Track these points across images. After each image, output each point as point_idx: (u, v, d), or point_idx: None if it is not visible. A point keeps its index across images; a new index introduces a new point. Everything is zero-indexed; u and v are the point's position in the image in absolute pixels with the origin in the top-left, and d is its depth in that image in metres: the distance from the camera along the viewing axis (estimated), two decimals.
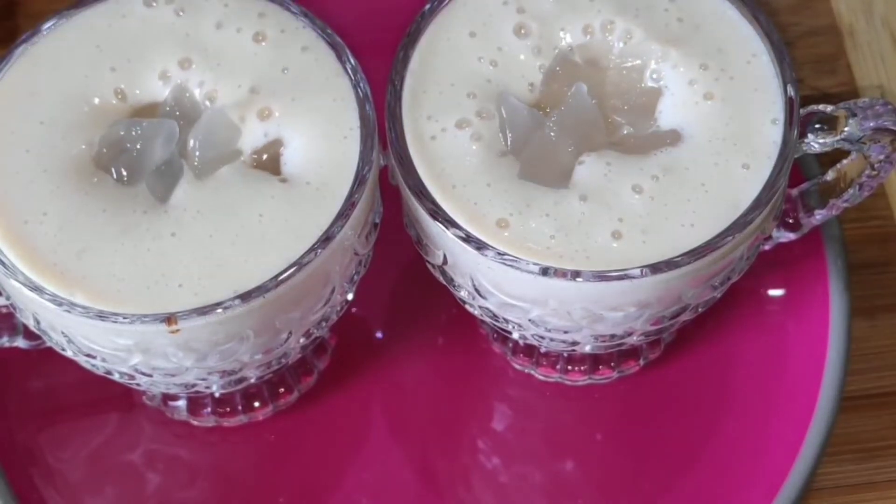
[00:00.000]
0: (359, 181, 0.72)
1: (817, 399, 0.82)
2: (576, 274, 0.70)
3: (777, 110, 0.74)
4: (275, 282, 0.70)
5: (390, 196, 0.77)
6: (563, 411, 0.84)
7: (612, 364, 0.84)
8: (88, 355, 0.73)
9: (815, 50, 0.95)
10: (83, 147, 0.73)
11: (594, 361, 0.84)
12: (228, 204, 0.72)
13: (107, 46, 0.75)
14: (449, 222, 0.72)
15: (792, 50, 0.93)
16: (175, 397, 0.83)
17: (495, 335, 0.85)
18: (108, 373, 0.75)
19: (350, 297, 0.77)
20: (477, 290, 0.74)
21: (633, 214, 0.71)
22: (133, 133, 0.73)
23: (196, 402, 0.83)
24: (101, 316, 0.70)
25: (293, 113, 0.74)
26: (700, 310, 0.76)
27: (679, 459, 0.82)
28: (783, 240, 0.80)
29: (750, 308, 0.85)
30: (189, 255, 0.71)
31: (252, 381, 0.78)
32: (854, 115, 0.74)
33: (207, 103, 0.75)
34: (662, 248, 0.71)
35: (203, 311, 0.69)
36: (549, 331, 0.75)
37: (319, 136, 0.73)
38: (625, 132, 0.75)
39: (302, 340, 0.76)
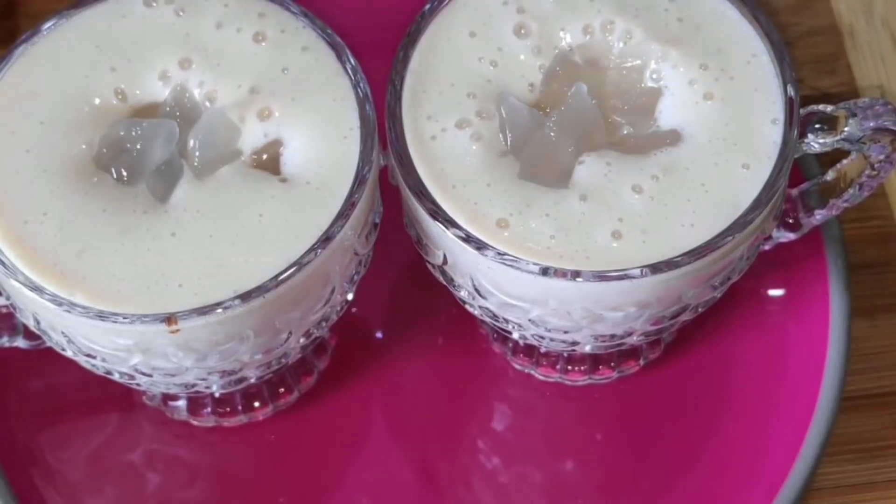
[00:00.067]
0: (359, 181, 0.72)
1: (817, 399, 0.82)
2: (576, 274, 0.70)
3: (777, 110, 0.74)
4: (275, 282, 0.70)
5: (390, 196, 0.77)
6: (563, 411, 0.84)
7: (612, 364, 0.84)
8: (88, 355, 0.73)
9: (815, 50, 0.95)
10: (83, 147, 0.73)
11: (594, 361, 0.84)
12: (228, 204, 0.72)
13: (107, 46, 0.75)
14: (449, 222, 0.72)
15: (792, 50, 0.93)
16: (175, 397, 0.83)
17: (495, 335, 0.85)
18: (108, 373, 0.75)
19: (350, 297, 0.77)
20: (477, 290, 0.74)
21: (633, 214, 0.71)
22: (133, 133, 0.73)
23: (196, 402, 0.83)
24: (101, 316, 0.70)
25: (293, 113, 0.74)
26: (700, 310, 0.76)
27: (679, 459, 0.82)
28: (783, 240, 0.80)
29: (750, 308, 0.85)
30: (189, 255, 0.71)
31: (252, 381, 0.78)
32: (854, 115, 0.74)
33: (207, 103, 0.75)
34: (662, 248, 0.71)
35: (203, 311, 0.69)
36: (549, 331, 0.75)
37: (319, 136, 0.73)
38: (625, 132, 0.75)
39: (302, 340, 0.76)
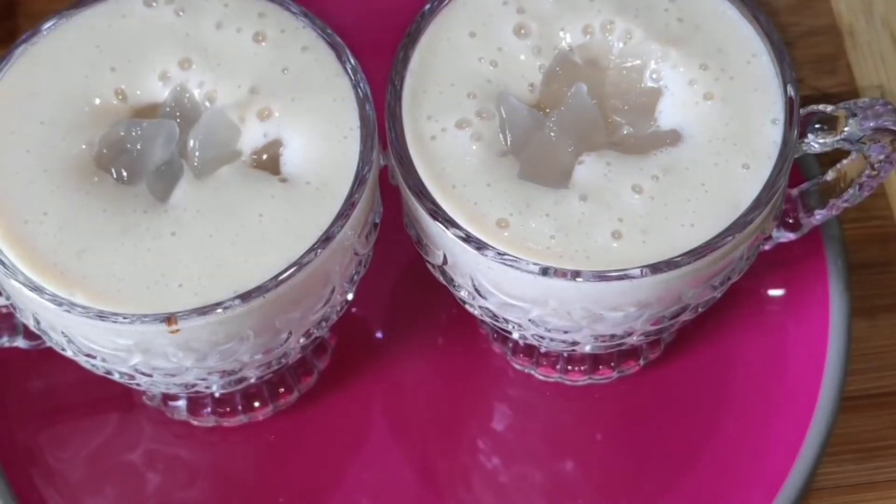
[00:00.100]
0: (359, 181, 0.72)
1: (817, 399, 0.82)
2: (576, 274, 0.70)
3: (777, 110, 0.74)
4: (275, 282, 0.70)
5: (390, 196, 0.77)
6: (563, 411, 0.84)
7: (612, 364, 0.84)
8: (88, 355, 0.73)
9: (815, 50, 0.95)
10: (83, 147, 0.73)
11: (594, 361, 0.84)
12: (228, 204, 0.72)
13: (107, 46, 0.75)
14: (449, 222, 0.72)
15: (792, 50, 0.93)
16: (175, 397, 0.83)
17: (495, 335, 0.85)
18: (108, 373, 0.75)
19: (350, 297, 0.77)
20: (477, 290, 0.74)
21: (633, 214, 0.71)
22: (133, 133, 0.73)
23: (196, 402, 0.83)
24: (101, 316, 0.70)
25: (293, 113, 0.74)
26: (700, 310, 0.76)
27: (679, 459, 0.82)
28: (783, 240, 0.80)
29: (750, 308, 0.85)
30: (189, 255, 0.71)
31: (252, 381, 0.78)
32: (854, 115, 0.74)
33: (207, 103, 0.75)
34: (662, 248, 0.71)
35: (203, 311, 0.69)
36: (549, 331, 0.75)
37: (319, 136, 0.73)
38: (625, 132, 0.75)
39: (302, 340, 0.76)
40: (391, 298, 0.86)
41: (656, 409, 0.83)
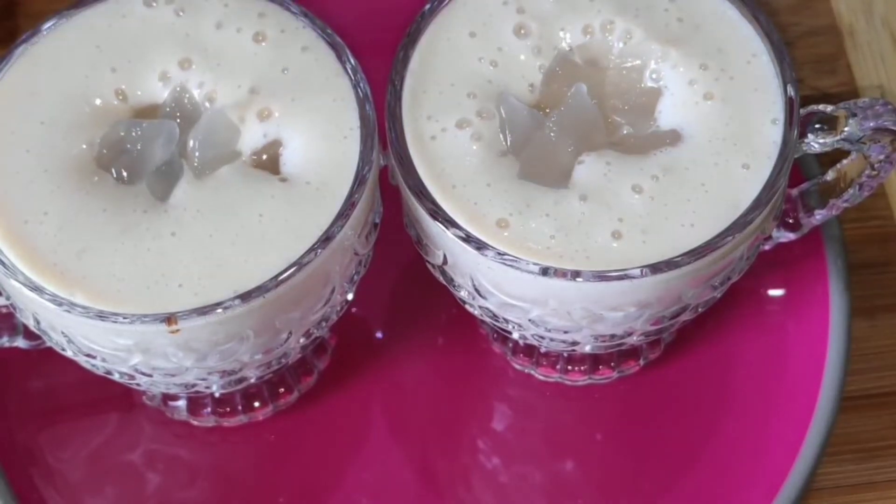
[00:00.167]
0: (359, 181, 0.72)
1: (817, 399, 0.82)
2: (576, 274, 0.70)
3: (777, 110, 0.74)
4: (275, 282, 0.70)
5: (390, 196, 0.77)
6: (563, 411, 0.84)
7: (612, 364, 0.84)
8: (88, 355, 0.73)
9: (815, 50, 0.95)
10: (83, 147, 0.73)
11: (594, 361, 0.84)
12: (228, 204, 0.72)
13: (107, 46, 0.75)
14: (449, 222, 0.72)
15: (792, 50, 0.93)
16: (175, 397, 0.83)
17: (495, 335, 0.85)
18: (108, 373, 0.75)
19: (350, 297, 0.77)
20: (477, 290, 0.74)
21: (633, 214, 0.71)
22: (133, 134, 0.73)
23: (196, 402, 0.83)
24: (101, 316, 0.70)
25: (293, 113, 0.74)
26: (700, 310, 0.76)
27: (679, 459, 0.82)
28: (783, 240, 0.80)
29: (750, 308, 0.85)
30: (189, 255, 0.71)
31: (252, 381, 0.78)
32: (854, 115, 0.74)
33: (207, 104, 0.75)
34: (662, 248, 0.71)
35: (203, 311, 0.69)
36: (549, 331, 0.75)
37: (319, 136, 0.73)
38: (625, 132, 0.75)
39: (302, 340, 0.76)
40: (391, 298, 0.86)
41: (656, 409, 0.83)
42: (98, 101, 0.74)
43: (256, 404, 0.83)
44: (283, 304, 0.71)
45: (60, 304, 0.70)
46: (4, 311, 0.77)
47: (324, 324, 0.76)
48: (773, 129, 0.73)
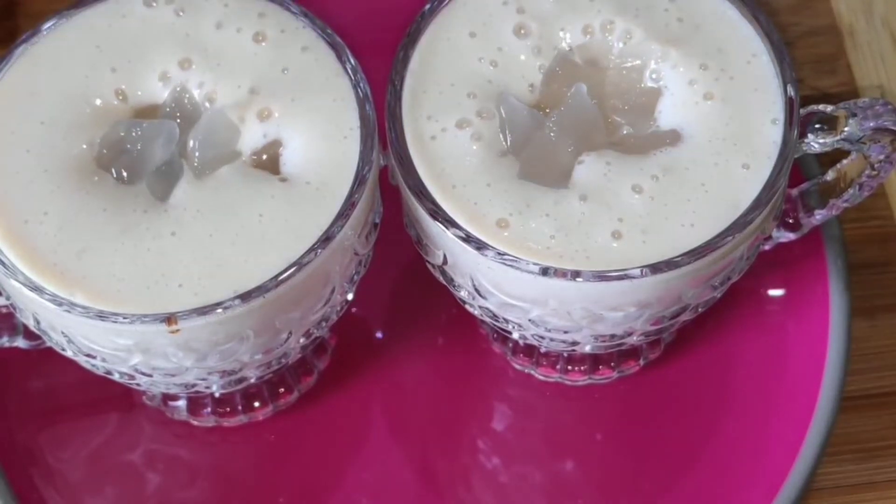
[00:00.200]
0: (359, 181, 0.72)
1: (817, 399, 0.82)
2: (576, 274, 0.70)
3: (777, 110, 0.74)
4: (275, 282, 0.70)
5: (390, 196, 0.77)
6: (563, 411, 0.84)
7: (612, 364, 0.84)
8: (88, 355, 0.73)
9: (815, 50, 0.95)
10: (84, 147, 0.73)
11: (594, 361, 0.84)
12: (228, 203, 0.72)
13: (107, 47, 0.75)
14: (449, 222, 0.72)
15: (792, 50, 0.93)
16: (175, 397, 0.83)
17: (495, 335, 0.85)
18: (108, 373, 0.75)
19: (350, 297, 0.77)
20: (477, 290, 0.74)
21: (633, 214, 0.71)
22: (133, 134, 0.73)
23: (196, 402, 0.83)
24: (101, 316, 0.70)
25: (293, 113, 0.74)
26: (700, 310, 0.76)
27: (679, 459, 0.82)
28: (783, 240, 0.80)
29: (750, 308, 0.85)
30: (189, 255, 0.71)
31: (252, 381, 0.78)
32: (854, 115, 0.74)
33: (207, 104, 0.75)
34: (662, 248, 0.71)
35: (203, 311, 0.69)
36: (549, 331, 0.75)
37: (319, 136, 0.73)
38: (624, 132, 0.75)
39: (302, 340, 0.76)
40: (391, 298, 0.86)
41: (656, 409, 0.83)
42: (98, 102, 0.74)
43: (256, 404, 0.83)
44: (283, 304, 0.71)
45: (60, 304, 0.70)
46: (4, 311, 0.77)
47: (324, 324, 0.76)
48: (773, 129, 0.73)
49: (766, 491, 0.80)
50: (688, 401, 0.83)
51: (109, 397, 0.83)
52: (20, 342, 0.79)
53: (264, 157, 0.74)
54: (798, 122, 0.73)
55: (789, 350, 0.84)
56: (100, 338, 0.71)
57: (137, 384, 0.76)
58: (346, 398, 0.84)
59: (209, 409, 0.83)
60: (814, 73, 0.94)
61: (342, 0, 0.90)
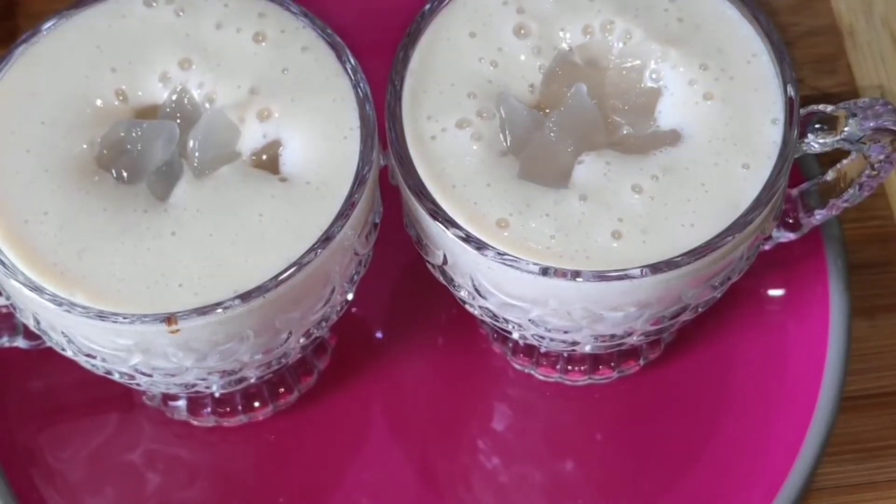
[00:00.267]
0: (359, 181, 0.72)
1: (817, 399, 0.82)
2: (576, 274, 0.70)
3: (777, 110, 0.74)
4: (275, 282, 0.70)
5: (390, 196, 0.77)
6: (563, 411, 0.84)
7: (612, 364, 0.84)
8: (88, 355, 0.73)
9: (815, 50, 0.95)
10: (84, 147, 0.73)
11: (594, 361, 0.84)
12: (228, 203, 0.72)
13: (107, 47, 0.75)
14: (449, 222, 0.72)
15: (792, 50, 0.93)
16: (175, 397, 0.83)
17: (495, 335, 0.85)
18: (108, 373, 0.75)
19: (350, 297, 0.77)
20: (477, 290, 0.74)
21: (633, 214, 0.71)
22: (133, 134, 0.73)
23: (196, 402, 0.83)
24: (101, 316, 0.70)
25: (293, 113, 0.74)
26: (700, 310, 0.76)
27: (679, 459, 0.82)
28: (783, 240, 0.80)
29: (750, 308, 0.85)
30: (189, 255, 0.71)
31: (252, 381, 0.78)
32: (854, 115, 0.74)
33: (207, 104, 0.75)
34: (662, 248, 0.71)
35: (203, 311, 0.69)
36: (549, 331, 0.75)
37: (319, 137, 0.73)
38: (624, 132, 0.75)
39: (302, 340, 0.76)
40: (391, 298, 0.86)
41: (656, 409, 0.83)
42: (98, 102, 0.74)
43: (256, 404, 0.83)
44: (283, 304, 0.71)
45: (60, 304, 0.70)
46: (4, 311, 0.77)
47: (324, 324, 0.76)
48: (773, 129, 0.73)
49: (766, 491, 0.80)
50: (688, 401, 0.83)
51: (109, 397, 0.83)
52: (20, 342, 0.79)
53: (264, 157, 0.74)
54: (798, 122, 0.73)
55: (789, 350, 0.84)
56: (100, 338, 0.71)
57: (137, 384, 0.76)
58: (346, 398, 0.84)
59: (209, 409, 0.83)
60: (814, 73, 0.94)
61: (342, 0, 0.90)
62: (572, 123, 0.73)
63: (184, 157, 0.74)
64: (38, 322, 0.73)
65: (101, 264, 0.70)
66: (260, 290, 0.70)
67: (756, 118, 0.73)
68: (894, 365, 0.85)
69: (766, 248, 0.79)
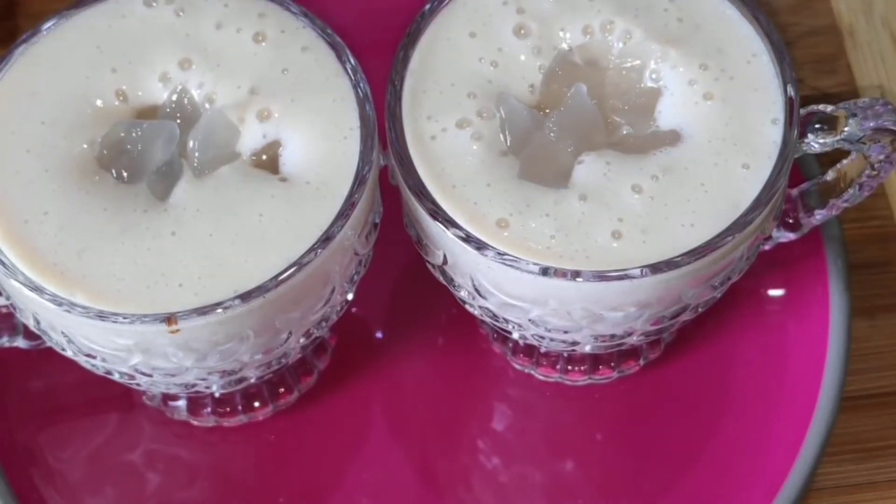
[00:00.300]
0: (359, 181, 0.72)
1: (817, 399, 0.82)
2: (576, 274, 0.70)
3: (777, 110, 0.74)
4: (275, 282, 0.70)
5: (390, 196, 0.77)
6: (563, 411, 0.84)
7: (612, 364, 0.84)
8: (88, 355, 0.73)
9: (815, 50, 0.95)
10: (84, 147, 0.73)
11: (594, 361, 0.84)
12: (228, 203, 0.72)
13: (107, 47, 0.75)
14: (449, 222, 0.72)
15: (792, 50, 0.93)
16: (175, 397, 0.83)
17: (495, 335, 0.85)
18: (108, 373, 0.75)
19: (350, 297, 0.77)
20: (477, 290, 0.74)
21: (633, 214, 0.71)
22: (134, 135, 0.73)
23: (196, 402, 0.83)
24: (101, 316, 0.70)
25: (293, 113, 0.74)
26: (700, 310, 0.76)
27: (679, 459, 0.82)
28: (783, 240, 0.80)
29: (750, 308, 0.85)
30: (189, 255, 0.71)
31: (252, 381, 0.78)
32: (854, 115, 0.74)
33: (207, 105, 0.75)
34: (662, 248, 0.71)
35: (203, 311, 0.69)
36: (549, 331, 0.75)
37: (319, 137, 0.73)
38: (624, 132, 0.75)
39: (302, 340, 0.76)
40: (391, 298, 0.86)
41: (656, 409, 0.83)
42: (99, 102, 0.74)
43: (256, 404, 0.83)
44: (283, 304, 0.71)
45: (60, 304, 0.70)
46: (4, 311, 0.77)
47: (324, 324, 0.76)
48: (773, 129, 0.73)
49: (766, 491, 0.80)
50: (688, 401, 0.83)
51: (109, 397, 0.83)
52: (20, 342, 0.79)
53: (264, 157, 0.74)
54: (798, 122, 0.73)
55: (789, 350, 0.84)
56: (100, 338, 0.71)
57: (137, 384, 0.76)
58: (346, 398, 0.84)
59: (209, 409, 0.83)
60: (814, 73, 0.94)
61: (342, 0, 0.90)
62: (572, 123, 0.73)
63: (184, 157, 0.74)
64: (38, 322, 0.73)
65: (101, 264, 0.70)
66: (260, 290, 0.70)
67: (756, 118, 0.73)
68: (894, 365, 0.85)
69: (766, 248, 0.79)
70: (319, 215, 0.72)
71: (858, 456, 0.83)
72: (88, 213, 0.72)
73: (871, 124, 0.74)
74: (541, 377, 0.84)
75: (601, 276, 0.70)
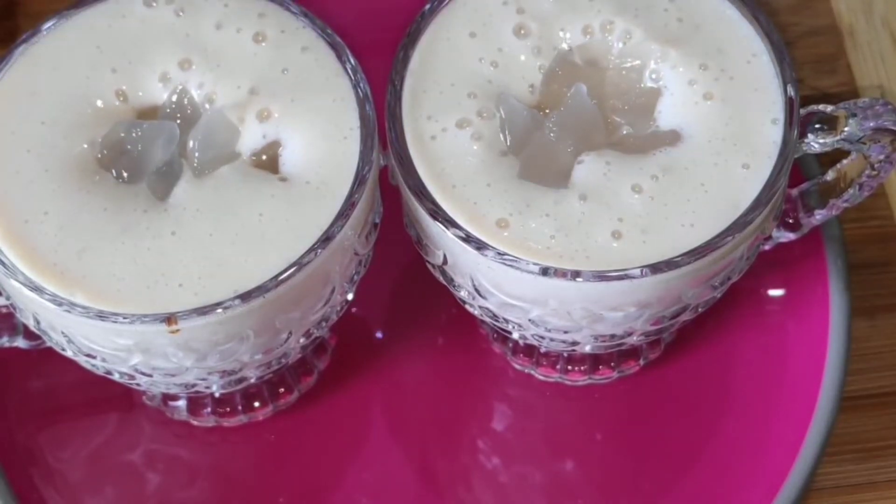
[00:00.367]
0: (359, 181, 0.72)
1: (817, 399, 0.82)
2: (576, 274, 0.70)
3: (777, 110, 0.74)
4: (275, 282, 0.70)
5: (390, 196, 0.77)
6: (563, 411, 0.84)
7: (612, 364, 0.84)
8: (88, 355, 0.73)
9: (815, 50, 0.95)
10: (84, 147, 0.73)
11: (594, 361, 0.84)
12: (228, 203, 0.72)
13: (107, 47, 0.75)
14: (449, 222, 0.72)
15: (792, 50, 0.93)
16: (175, 397, 0.83)
17: (495, 335, 0.85)
18: (108, 373, 0.75)
19: (350, 297, 0.77)
20: (477, 290, 0.74)
21: (633, 214, 0.71)
22: (134, 135, 0.73)
23: (196, 402, 0.83)
24: (101, 316, 0.70)
25: (293, 113, 0.74)
26: (700, 310, 0.76)
27: (679, 459, 0.82)
28: (783, 240, 0.80)
29: (750, 308, 0.85)
30: (189, 255, 0.71)
31: (252, 381, 0.78)
32: (854, 115, 0.74)
33: (207, 105, 0.75)
34: (662, 248, 0.71)
35: (203, 311, 0.69)
36: (549, 331, 0.75)
37: (319, 137, 0.73)
38: (624, 132, 0.75)
39: (302, 340, 0.76)
40: (391, 298, 0.86)
41: (656, 409, 0.83)
42: (99, 102, 0.74)
43: (256, 404, 0.83)
44: (283, 304, 0.71)
45: (60, 304, 0.70)
46: (4, 311, 0.77)
47: (324, 324, 0.76)
48: (773, 129, 0.73)
49: (766, 491, 0.80)
50: (688, 401, 0.83)
51: (109, 397, 0.83)
52: (20, 342, 0.79)
53: (264, 157, 0.74)
54: (798, 122, 0.73)
55: (789, 350, 0.84)
56: (100, 338, 0.71)
57: (137, 384, 0.76)
58: (346, 398, 0.84)
59: (209, 409, 0.83)
60: (814, 73, 0.94)
61: (342, 0, 0.90)
62: (572, 123, 0.73)
63: (184, 157, 0.74)
64: (38, 322, 0.73)
65: (101, 264, 0.70)
66: (260, 290, 0.70)
67: (756, 118, 0.73)
68: (894, 365, 0.85)
69: (766, 248, 0.79)
70: (319, 215, 0.72)
71: (858, 456, 0.83)
72: (88, 212, 0.72)
73: (871, 124, 0.74)
74: (541, 377, 0.84)
75: (601, 276, 0.70)
